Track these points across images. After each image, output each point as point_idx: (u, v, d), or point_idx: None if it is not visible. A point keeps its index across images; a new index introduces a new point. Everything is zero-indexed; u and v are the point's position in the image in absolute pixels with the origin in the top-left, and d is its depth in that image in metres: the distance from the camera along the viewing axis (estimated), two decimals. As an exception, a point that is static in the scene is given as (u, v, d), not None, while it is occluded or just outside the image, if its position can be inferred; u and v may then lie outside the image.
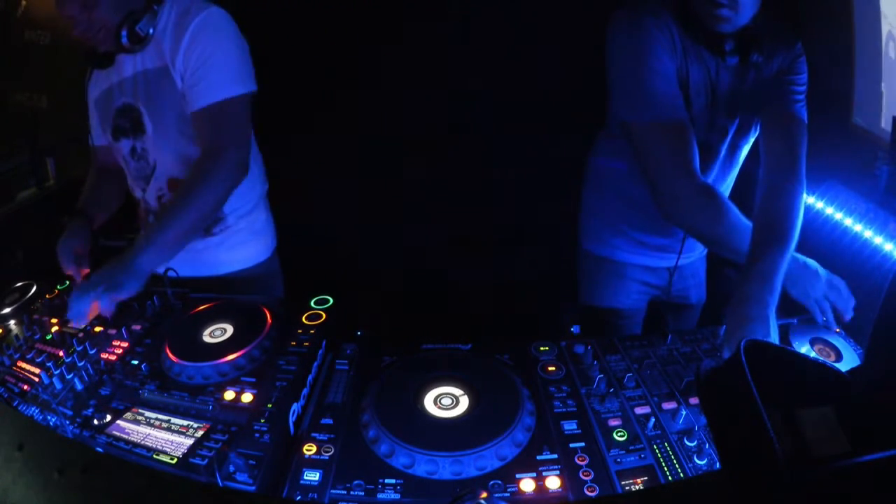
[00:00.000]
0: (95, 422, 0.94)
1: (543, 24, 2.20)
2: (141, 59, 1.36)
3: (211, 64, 1.30)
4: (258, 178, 1.58)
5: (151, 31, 1.32)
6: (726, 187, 1.47)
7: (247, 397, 0.98)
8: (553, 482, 0.84)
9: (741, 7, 1.13)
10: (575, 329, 1.76)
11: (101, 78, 1.45)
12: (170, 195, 1.45)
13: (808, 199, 1.47)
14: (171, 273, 1.33)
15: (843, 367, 1.09)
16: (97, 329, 1.22)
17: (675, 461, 0.89)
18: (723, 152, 1.38)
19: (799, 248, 1.23)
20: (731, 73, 1.28)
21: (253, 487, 0.82)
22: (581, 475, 0.86)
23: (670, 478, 0.86)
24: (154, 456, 0.86)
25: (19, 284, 1.40)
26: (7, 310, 1.31)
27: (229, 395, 0.99)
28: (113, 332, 1.20)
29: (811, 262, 1.23)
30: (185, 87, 1.32)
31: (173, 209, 1.29)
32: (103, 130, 1.49)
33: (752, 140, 1.41)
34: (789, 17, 1.19)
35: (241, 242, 1.57)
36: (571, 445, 0.92)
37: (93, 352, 1.13)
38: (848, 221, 1.38)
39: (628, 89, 1.26)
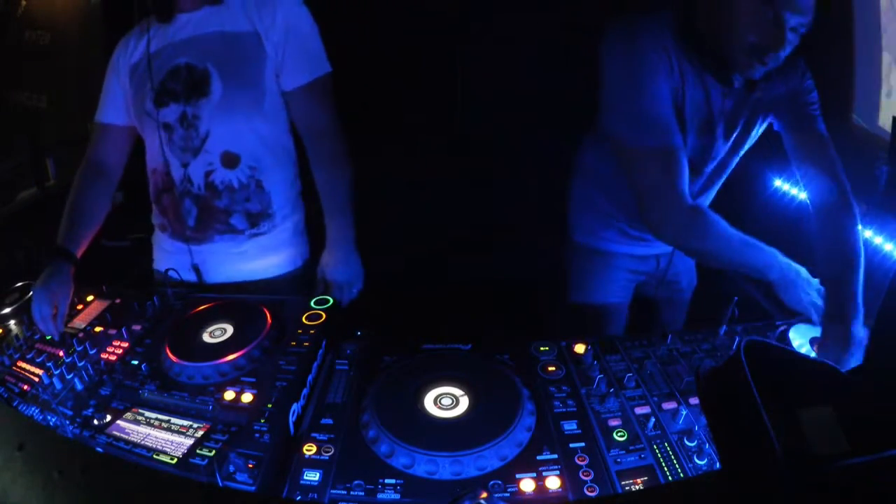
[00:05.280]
0: (95, 422, 0.94)
1: (542, 26, 2.20)
2: (218, 19, 1.31)
3: (313, 39, 1.34)
4: (295, 175, 1.51)
5: None
6: (707, 199, 1.47)
7: (247, 397, 0.98)
8: (553, 482, 0.84)
9: (780, 60, 1.13)
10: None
11: (145, 42, 1.35)
12: (222, 171, 1.34)
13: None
14: (171, 273, 1.33)
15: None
16: (97, 329, 1.22)
17: (675, 461, 0.89)
18: (710, 171, 1.38)
19: (799, 248, 1.23)
20: (731, 97, 1.26)
21: (253, 487, 0.82)
22: (581, 475, 0.86)
23: (670, 478, 0.86)
24: (154, 456, 0.86)
25: (19, 284, 1.40)
26: (7, 310, 1.31)
27: (229, 395, 0.99)
28: (113, 332, 1.20)
29: (802, 269, 1.23)
30: (287, 60, 1.31)
31: (343, 188, 1.42)
32: (137, 100, 1.37)
33: (741, 155, 1.40)
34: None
35: (281, 243, 1.48)
36: (571, 445, 0.92)
37: (93, 352, 1.13)
38: (848, 221, 1.38)
39: (622, 110, 1.23)
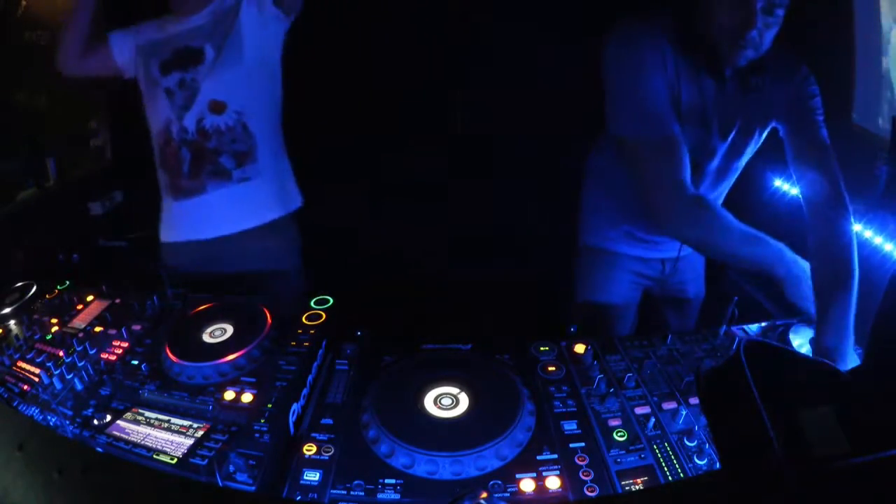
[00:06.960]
0: (95, 422, 0.94)
1: (545, 27, 2.20)
2: (213, 8, 1.54)
3: None
4: (279, 123, 1.66)
5: None
6: (717, 198, 1.47)
7: (247, 397, 0.98)
8: (553, 482, 0.84)
9: (764, 45, 1.16)
10: (573, 328, 1.76)
11: (154, 29, 1.60)
12: (211, 118, 1.53)
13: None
14: (172, 273, 1.33)
15: (843, 367, 1.09)
16: (97, 329, 1.22)
17: (675, 461, 0.89)
18: (712, 171, 1.38)
19: (799, 249, 1.23)
20: (727, 95, 1.28)
21: (253, 487, 0.82)
22: (581, 475, 0.86)
23: (670, 478, 0.86)
24: (154, 456, 0.86)
25: (19, 284, 1.40)
26: (7, 310, 1.31)
27: (229, 395, 0.99)
28: (113, 332, 1.20)
29: (807, 267, 1.23)
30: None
31: None
32: (145, 68, 1.58)
33: (746, 160, 1.40)
34: (791, 28, 1.19)
35: (268, 188, 1.62)
36: (571, 445, 0.92)
37: (93, 352, 1.13)
38: (848, 221, 1.37)
39: (620, 106, 1.27)
